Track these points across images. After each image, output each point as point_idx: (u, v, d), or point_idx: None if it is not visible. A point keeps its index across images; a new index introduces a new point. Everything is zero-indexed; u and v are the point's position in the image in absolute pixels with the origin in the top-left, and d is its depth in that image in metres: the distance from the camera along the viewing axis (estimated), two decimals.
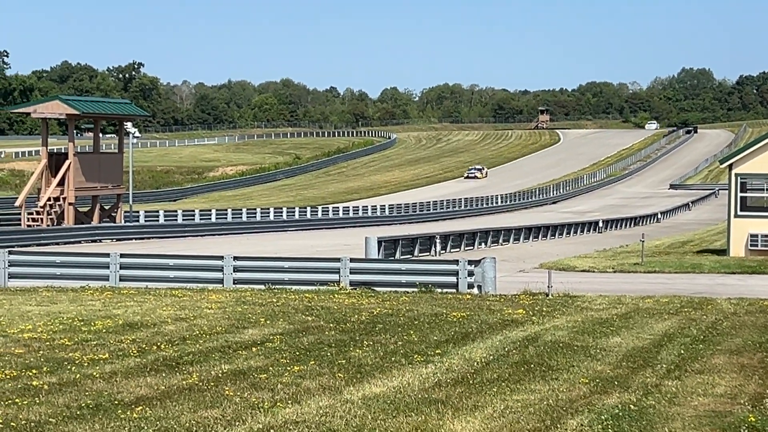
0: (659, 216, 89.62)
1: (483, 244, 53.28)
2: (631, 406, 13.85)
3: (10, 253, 30.12)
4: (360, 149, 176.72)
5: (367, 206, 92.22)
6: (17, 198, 59.61)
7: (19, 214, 56.61)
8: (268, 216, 76.44)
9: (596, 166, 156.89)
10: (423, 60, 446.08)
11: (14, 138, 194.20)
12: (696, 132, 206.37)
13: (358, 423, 12.72)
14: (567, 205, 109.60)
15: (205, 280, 29.26)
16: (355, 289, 28.48)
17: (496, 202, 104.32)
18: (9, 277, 29.38)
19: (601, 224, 74.27)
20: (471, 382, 15.29)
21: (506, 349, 18.36)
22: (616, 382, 15.51)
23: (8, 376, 14.85)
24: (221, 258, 29.78)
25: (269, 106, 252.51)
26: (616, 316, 23.13)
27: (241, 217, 73.90)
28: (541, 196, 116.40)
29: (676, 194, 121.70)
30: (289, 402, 13.70)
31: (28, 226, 55.34)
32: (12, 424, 12.16)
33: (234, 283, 29.08)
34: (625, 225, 79.61)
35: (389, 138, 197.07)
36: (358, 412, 13.19)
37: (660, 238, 61.67)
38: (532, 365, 16.74)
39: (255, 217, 75.45)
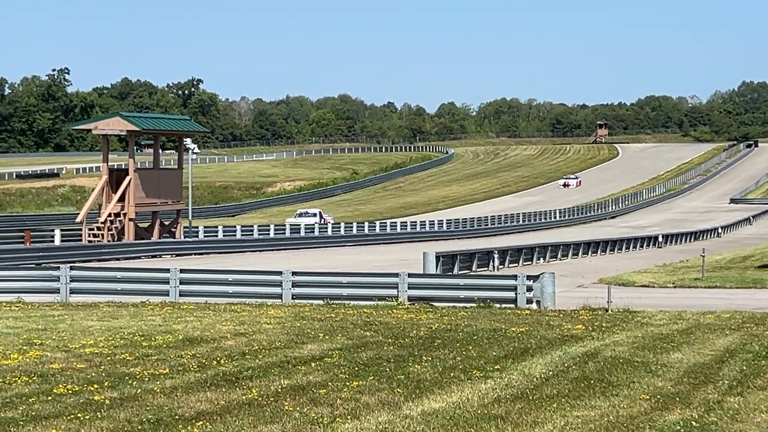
0: (719, 230, 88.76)
1: (541, 259, 53.06)
2: (693, 423, 13.71)
3: (71, 268, 30.43)
4: (417, 164, 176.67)
5: (424, 221, 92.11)
6: (78, 214, 60.15)
7: (81, 229, 57.12)
8: (326, 231, 76.58)
9: (655, 181, 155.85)
10: (480, 74, 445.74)
11: (75, 154, 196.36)
12: (757, 146, 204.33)
13: None
14: (626, 220, 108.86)
15: (264, 296, 29.37)
16: (414, 304, 28.47)
17: (554, 217, 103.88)
18: (71, 293, 29.66)
19: (660, 239, 73.68)
20: (530, 398, 15.21)
21: (566, 364, 18.25)
22: (677, 399, 15.37)
23: (70, 391, 14.98)
24: (280, 273, 29.89)
25: (327, 122, 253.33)
26: (676, 332, 22.93)
27: (299, 233, 74.10)
28: (599, 210, 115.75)
29: (736, 209, 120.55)
30: (349, 417, 13.69)
31: (89, 241, 55.80)
32: None
33: (293, 299, 29.17)
34: (685, 240, 78.92)
35: (446, 153, 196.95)
36: (417, 428, 13.16)
37: (721, 253, 61.12)
38: (592, 381, 16.63)
39: (313, 232, 75.61)
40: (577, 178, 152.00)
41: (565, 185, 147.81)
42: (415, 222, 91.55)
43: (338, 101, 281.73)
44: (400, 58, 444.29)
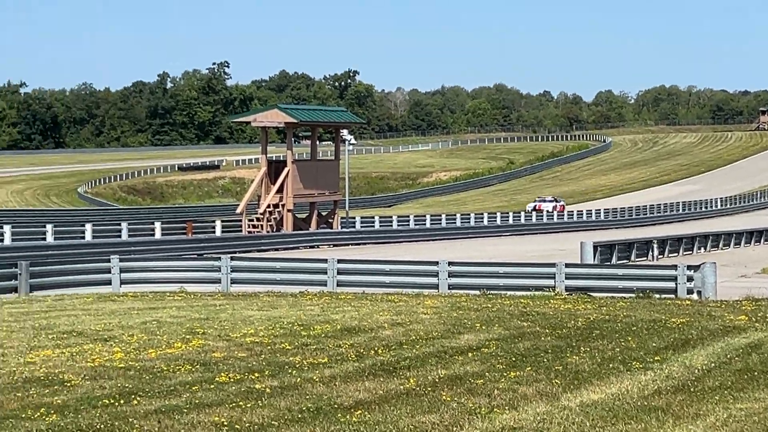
0: None
1: (702, 248, 52.03)
2: None
3: (232, 259, 30.97)
4: (574, 153, 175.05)
5: (581, 210, 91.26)
6: (238, 205, 61.18)
7: (241, 220, 58.08)
8: (482, 221, 76.45)
9: None
10: (638, 62, 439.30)
11: (235, 146, 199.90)
12: None
13: (576, 430, 12.58)
14: None
15: (421, 286, 29.42)
16: (571, 294, 28.22)
17: (715, 206, 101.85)
18: (231, 283, 30.19)
19: None
20: (692, 389, 14.94)
21: (728, 356, 17.88)
22: None
23: (232, 380, 15.25)
24: (436, 263, 29.92)
25: (482, 111, 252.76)
26: None
27: (455, 223, 74.13)
28: (762, 199, 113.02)
29: None
30: (506, 408, 13.64)
31: (249, 232, 56.68)
32: (236, 426, 12.47)
33: (449, 289, 29.17)
34: None
35: (604, 141, 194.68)
36: (576, 419, 13.05)
37: None
38: (756, 373, 16.24)
39: (469, 222, 75.57)
40: (556, 201, 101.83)
41: (535, 209, 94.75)
42: (572, 211, 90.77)
43: (494, 91, 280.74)
44: (556, 46, 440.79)
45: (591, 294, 28.24)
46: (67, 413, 12.94)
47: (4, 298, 27.17)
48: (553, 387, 15.01)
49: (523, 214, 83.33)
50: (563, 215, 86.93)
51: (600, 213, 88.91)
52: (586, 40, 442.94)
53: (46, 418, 12.64)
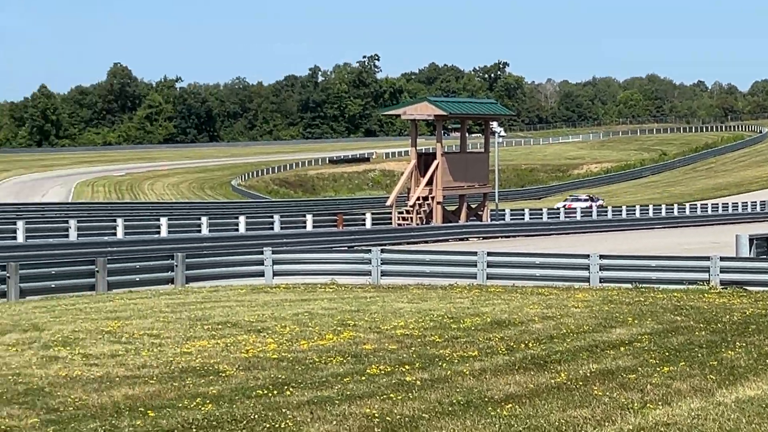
0: None
1: None
2: None
3: (382, 251, 31.16)
4: (729, 144, 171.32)
5: (736, 203, 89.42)
6: (388, 197, 61.50)
7: (390, 213, 58.39)
8: (634, 213, 75.43)
9: None
10: None
11: (385, 139, 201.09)
12: None
13: (731, 426, 12.36)
14: None
15: (571, 279, 29.22)
16: (726, 288, 27.69)
17: None
18: (381, 275, 30.37)
19: None
20: None
21: None
22: None
23: (383, 372, 15.35)
24: (587, 257, 29.65)
25: (634, 102, 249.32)
26: None
27: (606, 215, 73.32)
28: None
29: None
30: (660, 403, 13.47)
31: (399, 225, 56.95)
32: (387, 418, 12.56)
33: (600, 282, 28.91)
34: None
35: (760, 132, 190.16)
36: (732, 416, 12.81)
37: None
38: None
39: (620, 214, 74.64)
40: (592, 200, 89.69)
41: (565, 208, 79.59)
42: (727, 204, 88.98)
43: (646, 81, 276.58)
44: (709, 35, 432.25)
45: (747, 288, 27.67)
46: (222, 403, 13.20)
47: (161, 289, 27.84)
48: (707, 382, 14.77)
49: (676, 206, 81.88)
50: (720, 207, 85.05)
51: (756, 205, 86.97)
52: (741, 28, 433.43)
53: (202, 408, 12.91)
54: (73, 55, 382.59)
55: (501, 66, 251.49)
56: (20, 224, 42.71)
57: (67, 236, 43.28)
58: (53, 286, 26.94)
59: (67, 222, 45.14)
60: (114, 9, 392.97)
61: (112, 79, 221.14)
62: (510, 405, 13.29)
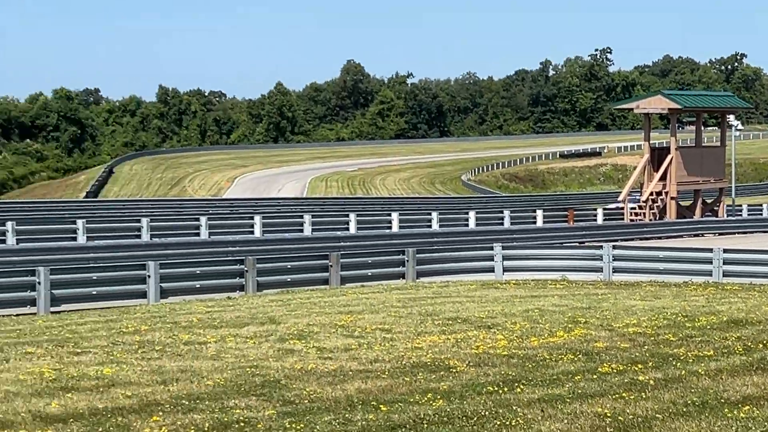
0: None
1: None
2: None
3: (614, 247, 30.78)
4: None
5: None
6: (620, 193, 60.74)
7: (622, 208, 57.69)
8: None
9: None
10: None
11: (617, 133, 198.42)
12: None
13: None
14: None
15: None
16: None
17: None
18: (613, 271, 30.00)
19: None
20: None
21: None
22: None
23: (615, 370, 15.14)
24: None
25: None
26: None
27: None
28: None
29: None
30: None
31: (631, 220, 56.25)
32: (619, 418, 12.38)
33: None
34: None
35: None
36: None
37: None
38: None
39: None
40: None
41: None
42: None
43: None
44: None
45: None
46: (453, 399, 13.25)
47: (392, 284, 28.20)
48: None
49: None
50: None
51: None
52: None
53: (433, 404, 12.99)
54: (308, 53, 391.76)
55: (738, 57, 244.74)
56: (257, 219, 44.02)
57: (302, 231, 44.36)
58: (288, 280, 27.64)
59: (302, 217, 46.26)
60: (345, 7, 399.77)
61: (345, 75, 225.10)
62: (747, 407, 12.92)
